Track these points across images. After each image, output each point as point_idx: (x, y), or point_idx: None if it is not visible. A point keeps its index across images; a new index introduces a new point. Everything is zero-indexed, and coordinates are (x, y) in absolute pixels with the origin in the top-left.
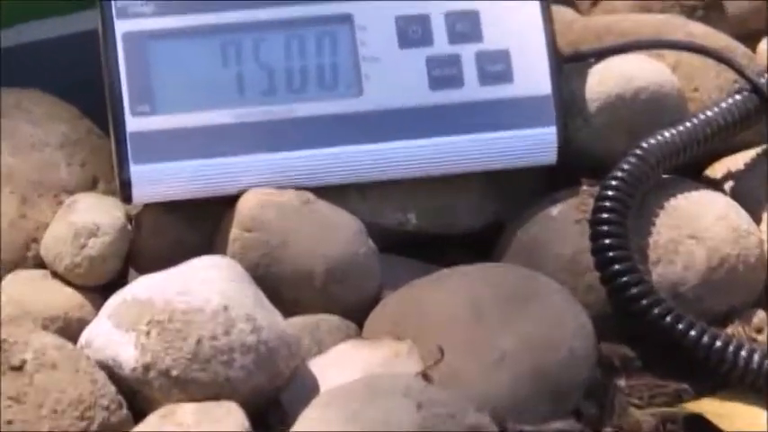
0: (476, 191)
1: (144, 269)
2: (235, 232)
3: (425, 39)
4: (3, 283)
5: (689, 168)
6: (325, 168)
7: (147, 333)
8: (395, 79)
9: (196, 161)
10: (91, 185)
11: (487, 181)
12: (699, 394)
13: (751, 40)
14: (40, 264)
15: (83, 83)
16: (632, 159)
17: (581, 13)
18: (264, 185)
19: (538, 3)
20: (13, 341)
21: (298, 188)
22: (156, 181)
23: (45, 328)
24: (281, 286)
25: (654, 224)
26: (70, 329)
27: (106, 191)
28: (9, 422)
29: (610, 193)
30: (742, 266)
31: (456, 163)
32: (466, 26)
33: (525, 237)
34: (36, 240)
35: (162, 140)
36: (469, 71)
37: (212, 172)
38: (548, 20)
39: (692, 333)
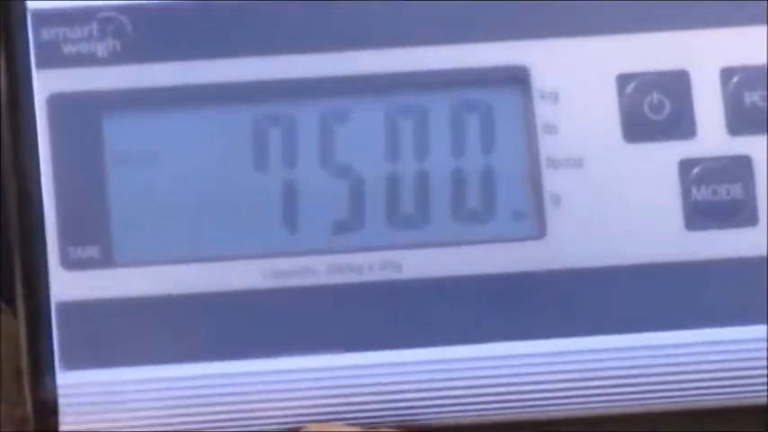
0: None
1: None
2: None
3: (678, 123)
4: None
5: None
6: (459, 389)
7: None
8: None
9: (188, 366)
10: None
11: None
12: None
13: None
14: None
15: None
16: None
17: None
18: (331, 420)
19: None
20: None
21: (400, 428)
22: (106, 403)
23: None
24: None
25: None
26: None
27: (8, 418)
28: None
29: None
30: None
31: (736, 385)
32: (763, 97)
33: None
34: None
35: (120, 322)
36: None
37: (221, 390)
38: None
39: None
